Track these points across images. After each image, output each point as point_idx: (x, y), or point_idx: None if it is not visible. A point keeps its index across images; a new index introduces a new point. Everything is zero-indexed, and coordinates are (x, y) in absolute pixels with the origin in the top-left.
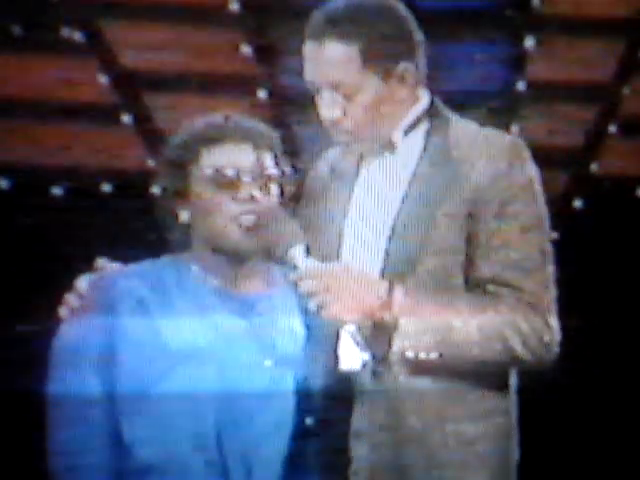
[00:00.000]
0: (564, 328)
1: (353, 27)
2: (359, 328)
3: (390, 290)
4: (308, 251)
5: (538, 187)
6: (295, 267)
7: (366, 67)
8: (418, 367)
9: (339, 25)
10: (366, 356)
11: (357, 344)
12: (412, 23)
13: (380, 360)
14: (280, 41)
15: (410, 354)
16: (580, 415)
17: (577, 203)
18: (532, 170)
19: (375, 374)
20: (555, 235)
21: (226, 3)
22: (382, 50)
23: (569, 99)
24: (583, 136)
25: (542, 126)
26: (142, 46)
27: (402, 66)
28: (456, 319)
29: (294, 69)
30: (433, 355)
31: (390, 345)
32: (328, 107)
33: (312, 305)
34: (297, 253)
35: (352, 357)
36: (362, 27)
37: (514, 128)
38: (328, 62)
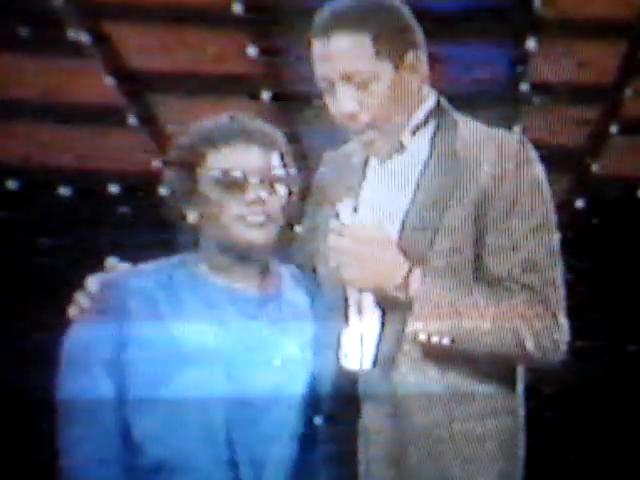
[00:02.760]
0: (569, 328)
1: (361, 18)
2: (376, 299)
3: (409, 272)
4: (355, 210)
5: (545, 187)
6: (338, 218)
7: (379, 55)
8: (428, 355)
9: (348, 18)
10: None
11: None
12: (412, 17)
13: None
14: (284, 42)
15: (422, 337)
16: (587, 414)
17: (579, 204)
18: (539, 170)
19: (383, 372)
20: (557, 235)
21: (229, 4)
22: (392, 37)
23: (571, 100)
24: (585, 137)
25: (544, 127)
26: (148, 48)
27: (411, 54)
28: (470, 307)
29: (298, 70)
30: (445, 340)
31: (404, 327)
32: (343, 101)
33: (332, 261)
34: (344, 207)
35: (360, 356)
36: (370, 17)
37: (516, 129)
38: (341, 54)
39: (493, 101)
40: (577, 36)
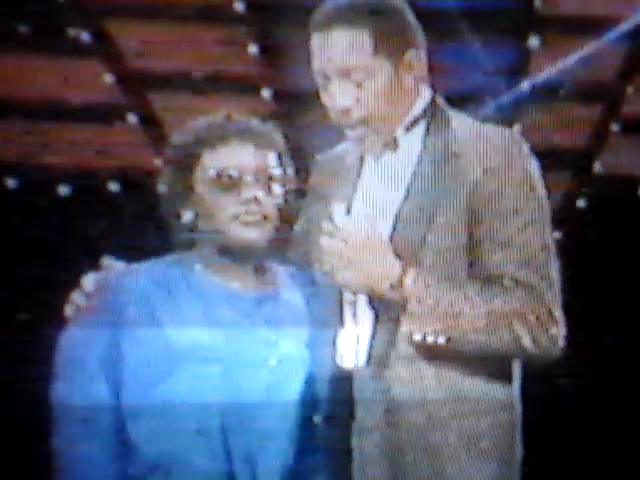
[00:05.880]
0: (567, 326)
1: (361, 14)
2: (370, 299)
3: (403, 272)
4: (349, 211)
5: (538, 182)
6: (331, 220)
7: (377, 52)
8: (422, 353)
9: (348, 13)
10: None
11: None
12: (413, 17)
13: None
14: (285, 40)
15: (417, 337)
16: (585, 411)
17: (580, 202)
18: (531, 165)
19: (378, 371)
20: (558, 234)
21: (231, 2)
22: (392, 35)
23: (572, 99)
24: (586, 135)
25: (545, 126)
26: (148, 46)
27: (410, 53)
28: (465, 305)
29: (299, 68)
30: (440, 339)
31: (398, 325)
32: (339, 96)
33: (325, 264)
34: (337, 209)
35: (356, 356)
36: (370, 14)
37: (517, 127)
38: (339, 49)
39: (494, 100)
40: (578, 34)
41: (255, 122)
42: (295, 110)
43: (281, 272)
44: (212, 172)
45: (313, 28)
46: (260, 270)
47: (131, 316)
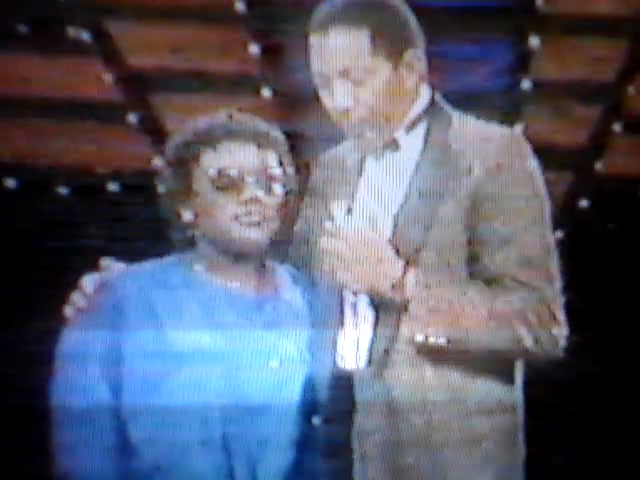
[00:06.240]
0: (569, 326)
1: (360, 13)
2: (371, 299)
3: (404, 272)
4: (350, 211)
5: (539, 182)
6: (332, 220)
7: (377, 51)
8: (423, 354)
9: (347, 13)
10: (368, 333)
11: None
12: (412, 16)
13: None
14: (285, 40)
15: (419, 338)
16: (587, 411)
17: (582, 202)
18: (532, 165)
19: (378, 372)
20: (560, 234)
21: (232, 2)
22: (391, 35)
23: (574, 98)
24: (588, 135)
25: (547, 125)
26: (148, 45)
27: (409, 52)
28: (466, 306)
29: (299, 68)
30: (442, 340)
31: (398, 326)
32: (339, 97)
33: (325, 265)
34: (338, 208)
35: (356, 356)
36: (369, 14)
37: (518, 127)
38: (338, 49)
39: (495, 99)
40: (579, 34)
41: (255, 122)
42: (295, 110)
43: (281, 272)
44: (212, 172)
45: (311, 29)
46: (261, 271)
47: (131, 317)
